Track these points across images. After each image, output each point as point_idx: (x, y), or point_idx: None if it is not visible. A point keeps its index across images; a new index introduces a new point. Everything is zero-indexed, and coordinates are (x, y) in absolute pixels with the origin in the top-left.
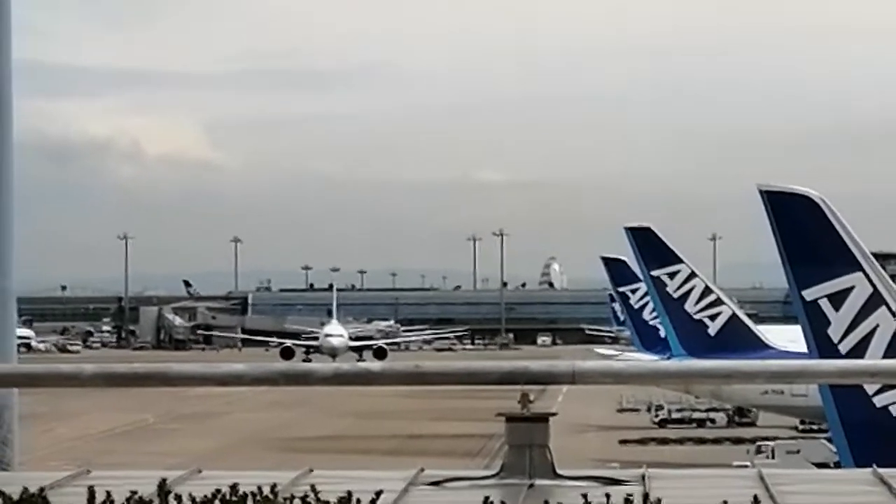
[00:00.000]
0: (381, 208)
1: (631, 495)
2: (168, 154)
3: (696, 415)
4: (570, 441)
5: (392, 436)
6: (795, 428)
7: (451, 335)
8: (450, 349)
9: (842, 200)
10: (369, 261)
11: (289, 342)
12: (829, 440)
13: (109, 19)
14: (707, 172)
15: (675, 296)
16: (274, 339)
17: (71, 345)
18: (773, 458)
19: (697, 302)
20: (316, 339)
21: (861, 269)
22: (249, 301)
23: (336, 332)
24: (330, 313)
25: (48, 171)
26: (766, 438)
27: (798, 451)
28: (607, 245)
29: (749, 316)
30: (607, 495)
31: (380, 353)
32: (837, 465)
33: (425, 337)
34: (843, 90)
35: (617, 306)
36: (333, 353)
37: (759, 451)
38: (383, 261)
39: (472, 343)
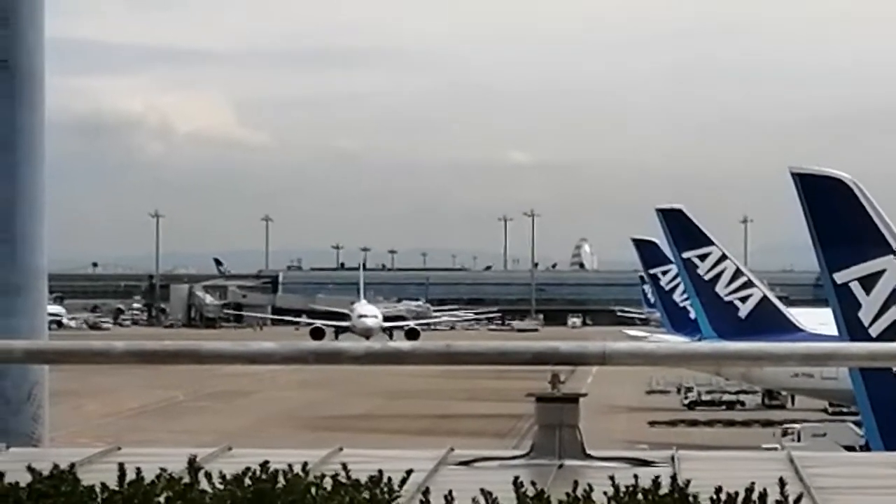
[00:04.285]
0: (413, 188)
1: (659, 476)
2: (198, 132)
3: (726, 397)
4: (599, 422)
5: (422, 415)
6: (825, 410)
7: (483, 316)
8: (535, 330)
9: (874, 183)
10: (400, 240)
11: (319, 322)
12: (857, 423)
13: None
14: (739, 155)
15: (706, 278)
16: (304, 318)
17: (102, 322)
18: (798, 440)
19: (728, 284)
20: (344, 318)
21: (893, 252)
22: (280, 280)
23: (370, 313)
24: (360, 292)
25: (79, 148)
26: (794, 421)
27: (824, 434)
28: (638, 226)
29: (780, 298)
30: (636, 476)
31: (412, 335)
32: (864, 448)
33: (457, 317)
34: (876, 72)
35: (647, 288)
36: (367, 333)
37: (785, 433)
38: (414, 240)
39: (504, 323)
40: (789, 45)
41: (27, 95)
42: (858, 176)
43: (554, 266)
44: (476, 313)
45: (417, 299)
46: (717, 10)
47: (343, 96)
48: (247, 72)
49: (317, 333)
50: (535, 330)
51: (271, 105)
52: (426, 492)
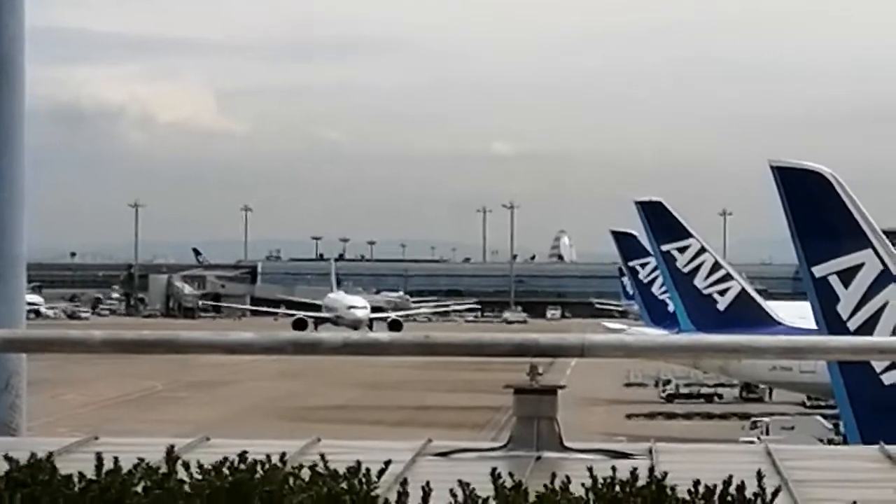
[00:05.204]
0: (392, 179)
1: (637, 468)
2: (179, 122)
3: (704, 390)
4: (577, 414)
5: (400, 407)
6: (803, 404)
7: (464, 307)
8: (525, 321)
9: (853, 177)
10: (379, 231)
11: (301, 313)
12: (826, 417)
13: None
14: (718, 148)
15: (685, 271)
16: (282, 308)
17: (80, 312)
18: (767, 433)
19: (707, 277)
20: (318, 309)
21: (871, 245)
22: (259, 270)
23: (359, 304)
24: (340, 283)
25: (59, 137)
26: (771, 414)
27: (793, 428)
28: (617, 219)
29: (758, 292)
30: (613, 468)
31: (394, 326)
32: (831, 442)
33: (437, 309)
34: (855, 68)
35: (626, 280)
36: (356, 325)
37: (754, 426)
38: (393, 231)
39: (482, 315)
40: (776, 41)
41: (7, 84)
42: (839, 172)
43: (533, 258)
44: (475, 304)
45: (396, 290)
46: (705, 6)
47: (324, 87)
48: (229, 62)
49: (299, 325)
50: (525, 321)
51: (252, 95)
52: (404, 482)
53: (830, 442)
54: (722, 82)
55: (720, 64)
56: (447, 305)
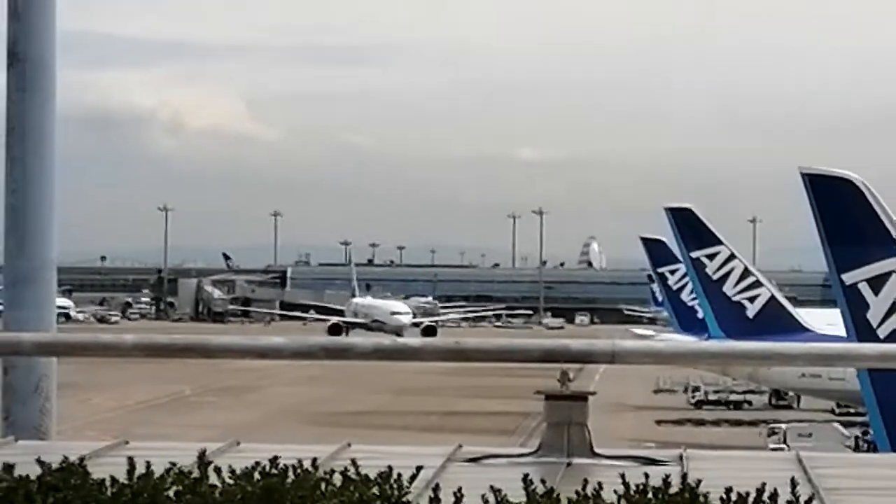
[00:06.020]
0: (421, 184)
1: (669, 475)
2: (209, 126)
3: (733, 397)
4: (607, 420)
5: (429, 412)
6: (832, 411)
7: (492, 313)
8: (562, 327)
9: (883, 185)
10: (408, 237)
11: (333, 318)
12: (844, 424)
13: None
14: (748, 154)
15: (714, 277)
16: (311, 313)
17: (110, 315)
18: (784, 441)
19: (736, 284)
20: (342, 313)
21: None
22: (288, 275)
23: (403, 310)
24: (369, 287)
25: (90, 141)
26: (801, 421)
27: (810, 435)
28: (647, 225)
29: (788, 299)
30: (646, 475)
31: (428, 332)
32: (856, 448)
33: (468, 314)
34: (887, 73)
35: (656, 287)
36: (399, 331)
37: (772, 433)
38: (422, 237)
39: (527, 320)
40: (799, 46)
41: (38, 88)
42: (869, 179)
43: (562, 264)
44: (503, 309)
45: (425, 296)
46: (727, 11)
47: (354, 92)
48: (259, 67)
49: (334, 330)
50: (562, 328)
51: (283, 100)
52: (435, 488)
53: (856, 449)
54: (752, 87)
55: (750, 69)
56: (477, 311)
